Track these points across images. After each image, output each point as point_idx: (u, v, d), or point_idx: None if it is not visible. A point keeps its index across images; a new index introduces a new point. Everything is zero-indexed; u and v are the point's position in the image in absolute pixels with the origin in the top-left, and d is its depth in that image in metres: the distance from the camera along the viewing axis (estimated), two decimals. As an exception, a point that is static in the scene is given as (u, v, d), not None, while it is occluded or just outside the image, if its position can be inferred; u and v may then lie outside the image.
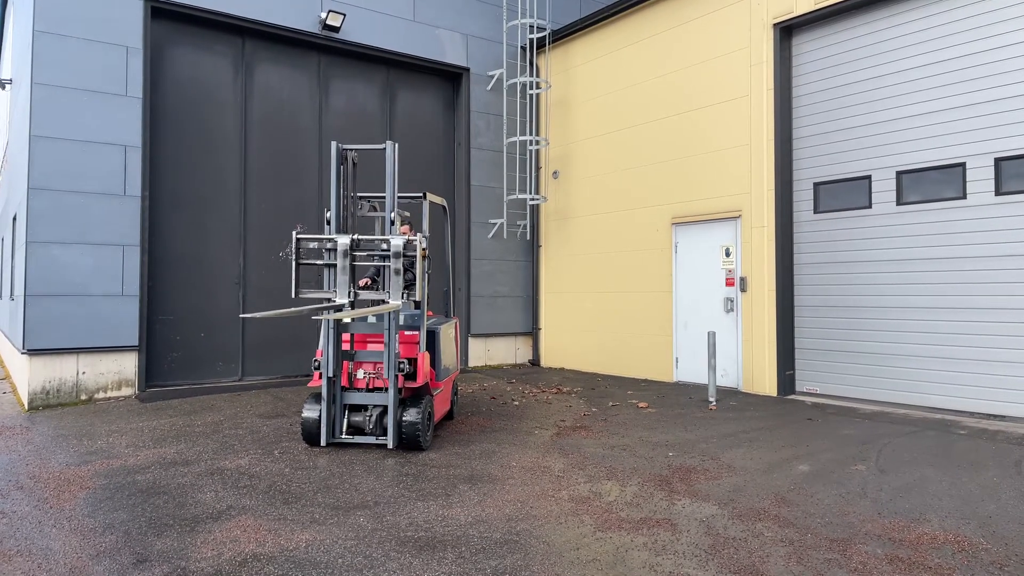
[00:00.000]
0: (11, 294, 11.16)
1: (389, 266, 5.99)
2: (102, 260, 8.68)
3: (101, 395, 8.69)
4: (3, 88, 13.66)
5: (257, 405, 8.38)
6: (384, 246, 6.05)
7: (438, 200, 6.88)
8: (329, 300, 6.21)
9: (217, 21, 9.77)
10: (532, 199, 12.34)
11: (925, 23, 7.88)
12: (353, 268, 6.45)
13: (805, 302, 8.94)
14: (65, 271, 8.46)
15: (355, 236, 6.06)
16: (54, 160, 8.44)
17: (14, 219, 11.02)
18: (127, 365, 8.86)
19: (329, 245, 6.09)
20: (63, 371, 8.48)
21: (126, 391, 8.85)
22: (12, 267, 11.27)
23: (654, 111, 10.59)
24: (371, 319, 6.40)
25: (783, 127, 8.98)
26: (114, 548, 3.96)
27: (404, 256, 6.08)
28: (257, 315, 5.47)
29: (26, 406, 8.30)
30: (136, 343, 8.85)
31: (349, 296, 6.02)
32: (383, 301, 6.20)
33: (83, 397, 8.59)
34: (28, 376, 8.29)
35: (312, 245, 6.15)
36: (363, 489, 5.04)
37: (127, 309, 8.81)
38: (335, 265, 6.07)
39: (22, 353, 8.44)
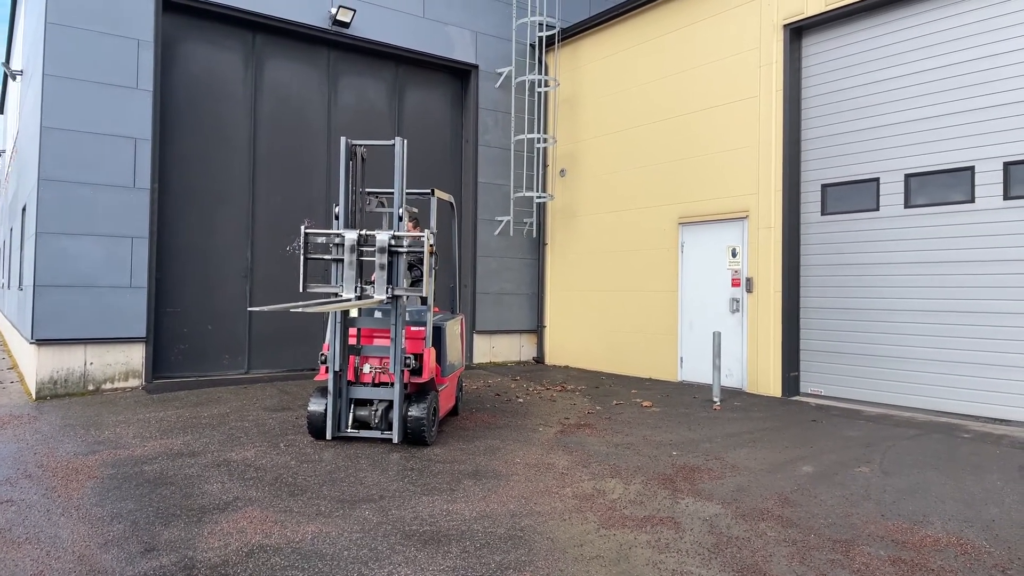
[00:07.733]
0: (20, 284, 11.23)
1: (399, 263, 6.02)
2: (111, 252, 8.72)
3: (108, 386, 8.75)
4: (14, 79, 13.73)
5: (263, 398, 8.42)
6: (393, 242, 6.07)
7: (445, 196, 6.90)
8: (336, 295, 6.25)
9: (228, 15, 9.81)
10: (539, 197, 12.35)
11: (936, 26, 7.86)
12: (361, 263, 6.47)
13: (811, 304, 8.94)
14: (74, 262, 8.51)
15: (363, 231, 6.10)
16: (64, 151, 8.48)
17: (23, 210, 11.08)
18: (134, 356, 8.91)
19: (337, 240, 6.13)
20: (71, 361, 8.54)
21: (133, 382, 8.91)
22: (21, 258, 11.33)
23: (662, 111, 10.59)
24: (378, 314, 6.43)
25: (791, 128, 8.97)
26: (122, 537, 4.00)
27: (410, 252, 6.11)
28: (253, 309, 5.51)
29: (34, 396, 8.36)
30: (144, 335, 8.90)
31: (356, 291, 6.07)
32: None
33: (90, 387, 8.65)
34: (36, 366, 8.35)
35: (320, 240, 6.19)
36: (368, 483, 5.07)
37: (135, 301, 8.86)
38: (342, 260, 6.11)
39: (30, 343, 8.49)
